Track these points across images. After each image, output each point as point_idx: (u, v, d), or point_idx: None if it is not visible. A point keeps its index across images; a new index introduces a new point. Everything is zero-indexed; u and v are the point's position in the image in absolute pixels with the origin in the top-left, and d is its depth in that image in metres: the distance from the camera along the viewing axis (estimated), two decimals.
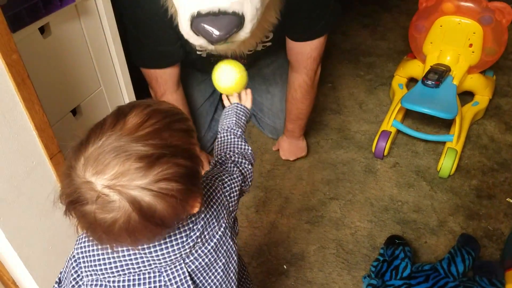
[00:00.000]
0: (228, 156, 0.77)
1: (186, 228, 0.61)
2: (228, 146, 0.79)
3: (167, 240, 0.60)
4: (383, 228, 1.40)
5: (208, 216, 0.64)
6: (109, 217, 0.51)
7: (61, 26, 0.90)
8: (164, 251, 0.60)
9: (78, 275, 0.63)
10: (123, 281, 0.61)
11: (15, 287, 0.93)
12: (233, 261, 0.69)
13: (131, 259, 0.60)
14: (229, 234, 0.68)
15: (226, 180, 0.70)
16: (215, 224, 0.65)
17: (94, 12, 0.97)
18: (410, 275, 1.19)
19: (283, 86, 1.55)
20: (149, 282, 0.62)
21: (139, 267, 0.60)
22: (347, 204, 1.48)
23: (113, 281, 0.61)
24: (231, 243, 0.68)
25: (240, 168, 0.75)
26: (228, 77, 0.87)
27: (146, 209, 0.51)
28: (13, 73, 0.68)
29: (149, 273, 0.61)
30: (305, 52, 1.32)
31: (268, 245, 1.37)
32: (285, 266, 1.31)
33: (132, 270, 0.61)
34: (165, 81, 1.30)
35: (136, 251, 0.60)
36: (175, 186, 0.52)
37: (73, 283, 0.63)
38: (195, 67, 1.49)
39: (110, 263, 0.60)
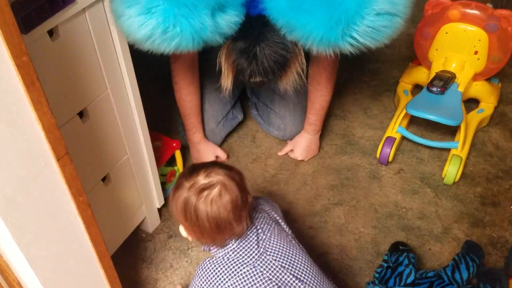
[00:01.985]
0: None
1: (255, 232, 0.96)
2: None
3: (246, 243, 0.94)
4: (387, 235, 1.40)
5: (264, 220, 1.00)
6: (214, 193, 0.89)
7: (69, 29, 0.91)
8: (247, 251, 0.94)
9: None
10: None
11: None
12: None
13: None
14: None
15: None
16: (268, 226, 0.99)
17: (102, 16, 0.98)
18: (414, 281, 1.19)
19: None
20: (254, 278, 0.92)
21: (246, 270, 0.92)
22: (351, 210, 1.48)
23: None
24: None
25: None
26: None
27: (229, 175, 0.91)
28: (22, 75, 0.69)
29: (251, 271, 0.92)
30: None
31: None
32: None
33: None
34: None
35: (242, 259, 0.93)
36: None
37: None
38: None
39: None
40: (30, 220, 0.80)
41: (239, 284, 0.90)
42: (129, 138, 1.18)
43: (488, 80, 1.75)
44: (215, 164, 0.93)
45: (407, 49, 2.10)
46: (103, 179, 1.14)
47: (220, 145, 1.69)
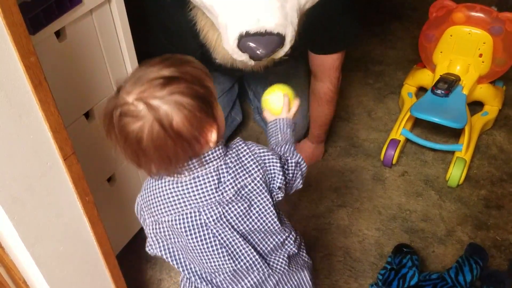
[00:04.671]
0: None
1: (219, 170, 0.73)
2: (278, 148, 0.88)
3: (200, 180, 0.72)
4: (391, 237, 1.40)
5: (237, 167, 0.74)
6: (137, 126, 0.64)
7: (76, 30, 0.92)
8: (200, 191, 0.72)
9: (144, 219, 0.79)
10: (172, 220, 0.74)
11: (25, 286, 0.94)
12: (266, 217, 0.78)
13: (175, 200, 0.73)
14: (264, 192, 0.76)
15: (265, 151, 0.78)
16: (245, 176, 0.75)
17: (109, 18, 0.99)
18: (417, 284, 1.19)
19: (295, 85, 1.57)
20: (192, 220, 0.74)
21: (181, 207, 0.74)
22: (354, 212, 1.48)
23: (165, 220, 0.75)
24: (266, 200, 0.77)
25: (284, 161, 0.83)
26: (279, 102, 0.91)
27: (163, 117, 0.64)
28: (30, 75, 0.70)
29: (190, 212, 0.74)
30: (328, 63, 1.37)
31: None
32: None
33: (176, 210, 0.74)
34: None
35: (178, 193, 0.73)
36: (187, 101, 0.64)
37: (143, 225, 0.81)
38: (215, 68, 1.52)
39: (159, 205, 0.75)
40: (36, 219, 0.81)
41: (176, 225, 0.75)
42: None
43: (493, 83, 1.75)
44: (161, 87, 0.65)
45: (411, 52, 2.10)
46: (109, 180, 1.15)
47: None
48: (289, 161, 0.83)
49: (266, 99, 0.93)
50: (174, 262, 0.81)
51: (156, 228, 0.77)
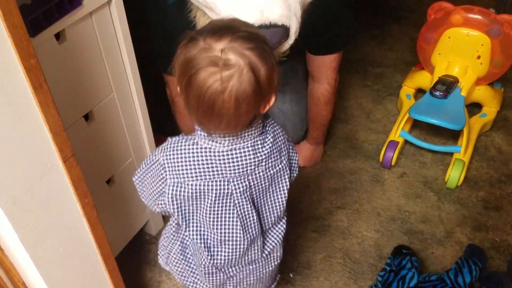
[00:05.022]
0: None
1: (255, 146, 0.77)
2: None
3: (237, 152, 0.75)
4: (390, 238, 1.40)
5: (273, 147, 0.79)
6: (224, 75, 0.65)
7: (76, 33, 0.92)
8: (234, 163, 0.76)
9: (164, 177, 0.79)
10: (199, 184, 0.77)
11: None
12: (280, 197, 0.85)
13: (208, 167, 0.76)
14: (286, 174, 0.83)
15: (291, 143, 0.87)
16: (277, 157, 0.81)
17: (108, 20, 0.99)
18: (416, 285, 1.19)
19: (294, 87, 1.59)
20: (220, 188, 0.78)
21: (213, 175, 0.77)
22: (354, 214, 1.48)
23: (191, 184, 0.77)
24: (285, 182, 0.84)
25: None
26: None
27: (254, 65, 0.67)
28: (30, 77, 0.70)
29: (220, 181, 0.77)
30: (325, 64, 1.38)
31: None
32: (291, 275, 1.31)
33: (207, 177, 0.77)
34: None
35: (213, 161, 0.76)
36: (269, 56, 0.68)
37: (160, 183, 0.81)
38: None
39: (190, 169, 0.77)
40: (36, 221, 0.81)
41: (202, 190, 0.78)
42: (133, 141, 1.19)
43: (491, 84, 1.76)
44: (248, 39, 0.68)
45: (410, 54, 2.10)
46: (108, 181, 1.15)
47: None
48: None
49: None
50: (182, 219, 0.83)
51: (177, 189, 0.79)
